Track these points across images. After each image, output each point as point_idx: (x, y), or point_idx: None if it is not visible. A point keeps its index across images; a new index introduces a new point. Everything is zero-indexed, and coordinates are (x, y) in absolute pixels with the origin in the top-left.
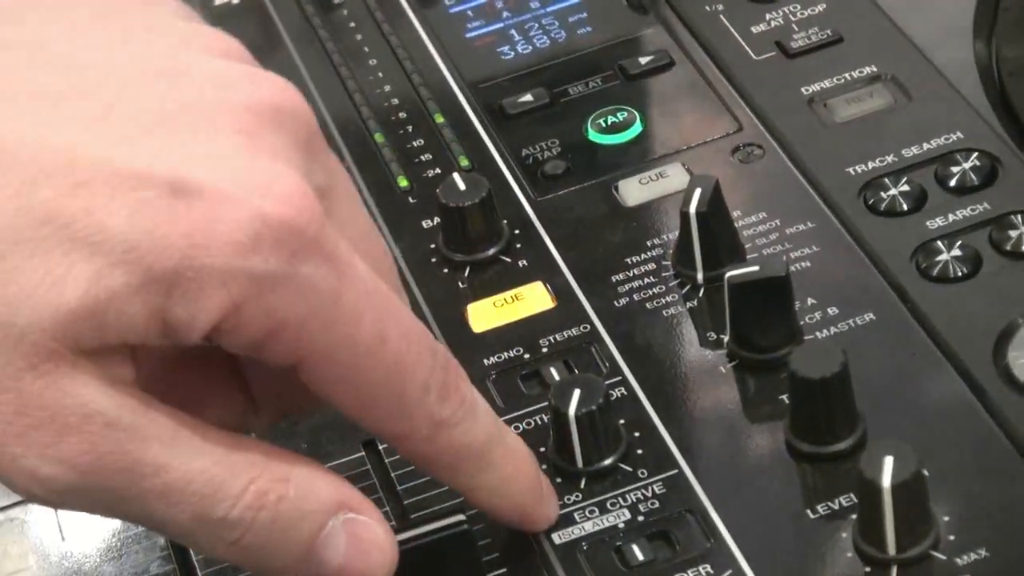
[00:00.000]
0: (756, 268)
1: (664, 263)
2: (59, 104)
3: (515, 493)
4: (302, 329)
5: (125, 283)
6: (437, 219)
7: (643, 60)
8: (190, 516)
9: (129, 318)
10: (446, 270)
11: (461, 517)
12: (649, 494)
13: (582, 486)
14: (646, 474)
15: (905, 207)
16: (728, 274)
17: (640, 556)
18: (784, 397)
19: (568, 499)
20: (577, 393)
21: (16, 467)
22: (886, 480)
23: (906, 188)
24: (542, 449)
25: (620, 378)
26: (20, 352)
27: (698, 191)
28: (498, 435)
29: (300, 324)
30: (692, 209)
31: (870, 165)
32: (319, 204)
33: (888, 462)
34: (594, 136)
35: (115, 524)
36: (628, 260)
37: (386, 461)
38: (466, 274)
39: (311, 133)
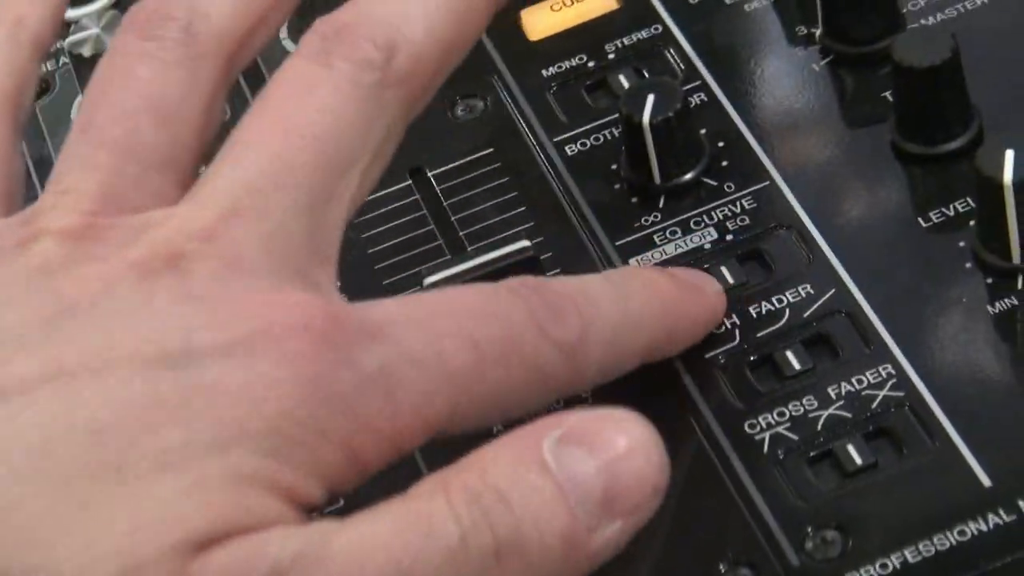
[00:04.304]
0: None
1: None
2: None
3: (682, 329)
4: None
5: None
6: None
7: None
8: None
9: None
10: None
11: (526, 243)
12: (737, 210)
13: (661, 205)
14: (733, 188)
15: None
16: None
17: (731, 279)
18: (887, 94)
19: (645, 220)
20: (651, 99)
21: None
22: (1008, 176)
23: None
24: (614, 167)
25: (699, 83)
26: None
27: None
28: (623, 295)
29: None
30: None
31: None
32: None
33: (1009, 156)
34: None
35: None
36: None
37: (436, 188)
38: None
39: None
